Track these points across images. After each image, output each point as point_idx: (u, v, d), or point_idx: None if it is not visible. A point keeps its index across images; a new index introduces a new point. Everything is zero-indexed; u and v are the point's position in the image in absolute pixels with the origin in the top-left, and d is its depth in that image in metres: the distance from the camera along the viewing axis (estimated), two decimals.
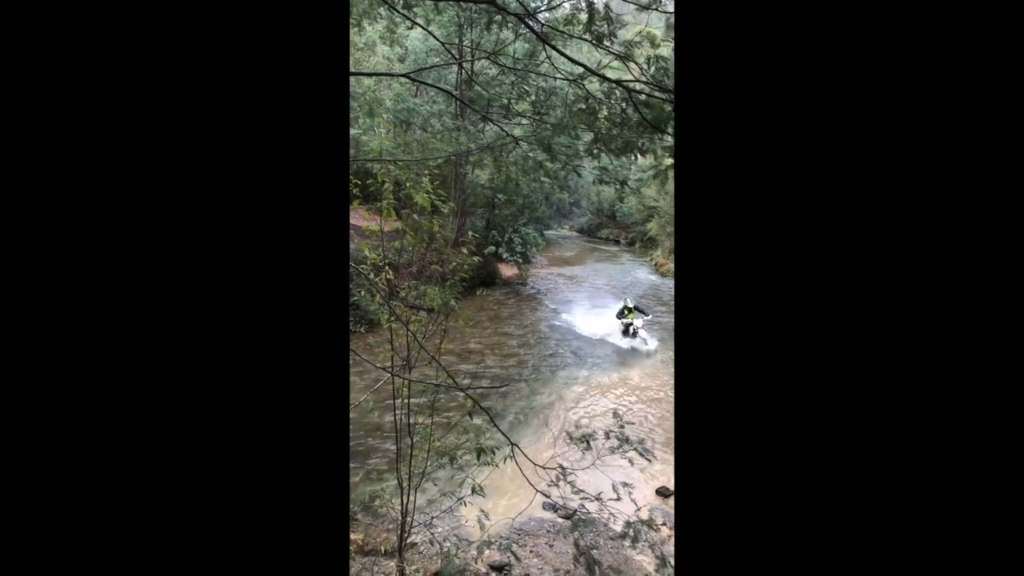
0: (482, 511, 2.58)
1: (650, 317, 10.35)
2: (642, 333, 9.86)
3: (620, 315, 10.19)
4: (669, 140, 2.54)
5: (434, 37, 3.80)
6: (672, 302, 12.01)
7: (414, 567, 3.35)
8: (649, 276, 14.54)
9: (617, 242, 19.78)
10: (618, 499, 2.39)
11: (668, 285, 13.29)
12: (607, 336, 10.23)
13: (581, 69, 2.51)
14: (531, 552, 4.17)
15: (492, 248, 12.70)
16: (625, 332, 10.00)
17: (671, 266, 14.19)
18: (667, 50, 1.90)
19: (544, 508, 4.81)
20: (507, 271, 13.69)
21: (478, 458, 2.80)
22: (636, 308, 10.30)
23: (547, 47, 2.33)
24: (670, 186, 13.63)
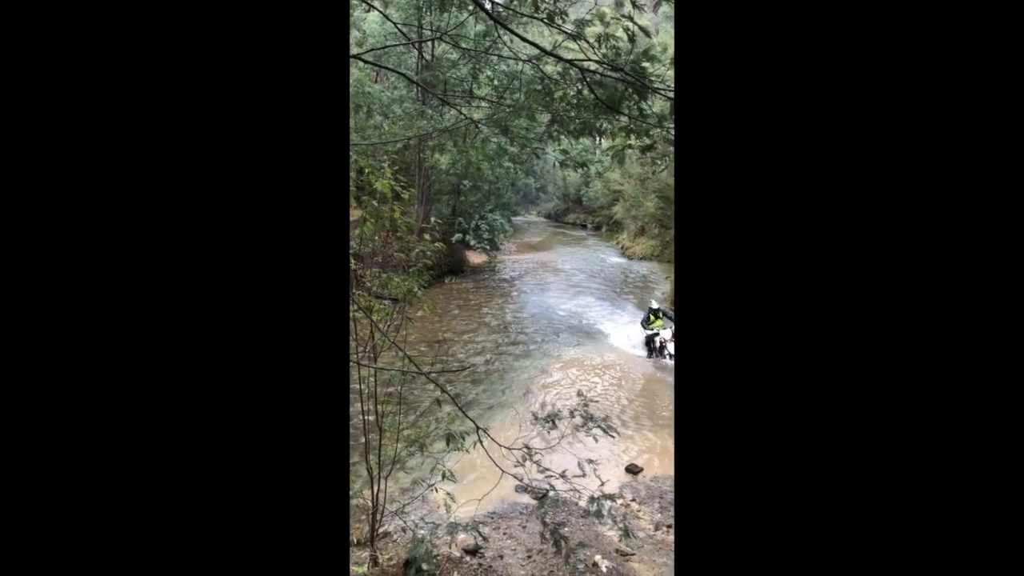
0: (449, 495, 2.59)
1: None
2: (671, 348, 7.72)
3: (646, 323, 8.26)
4: (624, 120, 2.55)
5: (390, 21, 3.71)
6: (638, 282, 12.21)
7: (387, 556, 3.36)
8: (616, 259, 14.72)
9: (584, 226, 19.93)
10: (583, 475, 2.44)
11: (634, 267, 13.48)
12: (626, 347, 8.60)
13: (547, 49, 2.49)
14: (504, 534, 4.22)
15: (459, 235, 12.62)
16: (650, 346, 8.12)
17: (636, 248, 14.40)
18: (618, 28, 1.91)
19: (517, 491, 4.86)
20: (475, 258, 13.64)
21: (447, 444, 2.81)
22: (663, 313, 8.17)
23: (499, 27, 2.30)
24: (633, 169, 13.78)
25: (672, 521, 4.55)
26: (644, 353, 8.32)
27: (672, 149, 2.63)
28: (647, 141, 2.31)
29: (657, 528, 4.45)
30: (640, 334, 8.47)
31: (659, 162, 9.95)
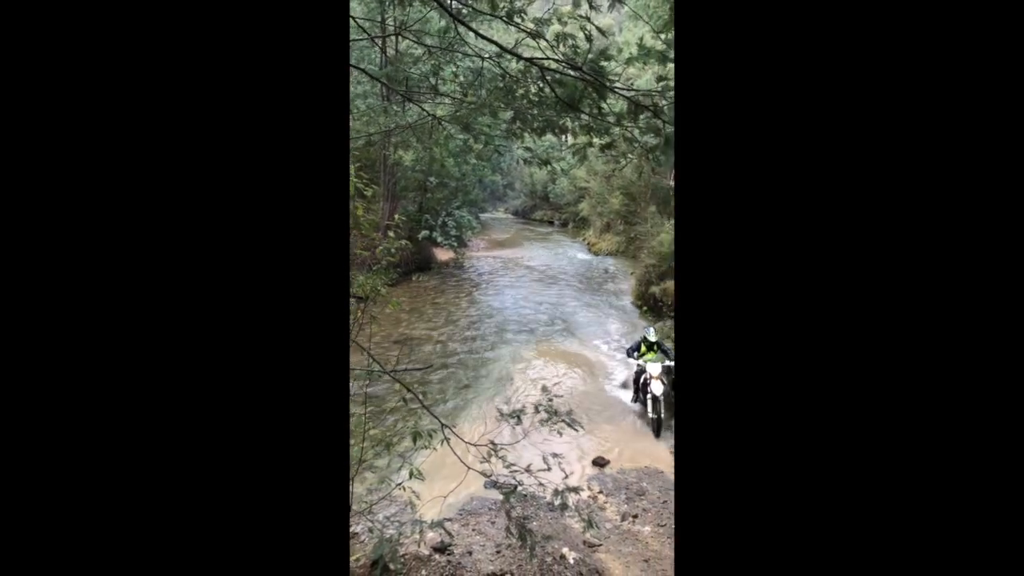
0: (413, 492, 2.59)
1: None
2: (661, 394, 5.89)
3: (634, 352, 6.46)
4: (587, 119, 2.59)
5: (351, 16, 3.65)
6: (603, 279, 12.38)
7: (354, 557, 3.33)
8: (582, 255, 14.88)
9: (551, 223, 20.06)
10: (548, 469, 2.47)
11: (600, 263, 13.65)
12: (602, 383, 7.21)
13: (508, 47, 2.50)
14: (473, 530, 4.23)
15: (426, 232, 12.53)
16: (637, 388, 6.37)
17: (602, 245, 14.59)
18: (575, 27, 1.94)
19: (486, 487, 4.88)
20: (443, 255, 13.57)
21: (414, 442, 2.80)
22: (659, 346, 6.43)
23: (458, 24, 2.30)
24: (598, 166, 13.93)
25: (638, 512, 4.64)
26: (629, 394, 6.68)
27: (635, 147, 2.68)
28: (608, 139, 2.35)
29: (624, 519, 4.54)
30: (627, 366, 6.85)
31: (622, 160, 10.11)
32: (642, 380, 6.33)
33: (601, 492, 4.97)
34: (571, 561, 3.32)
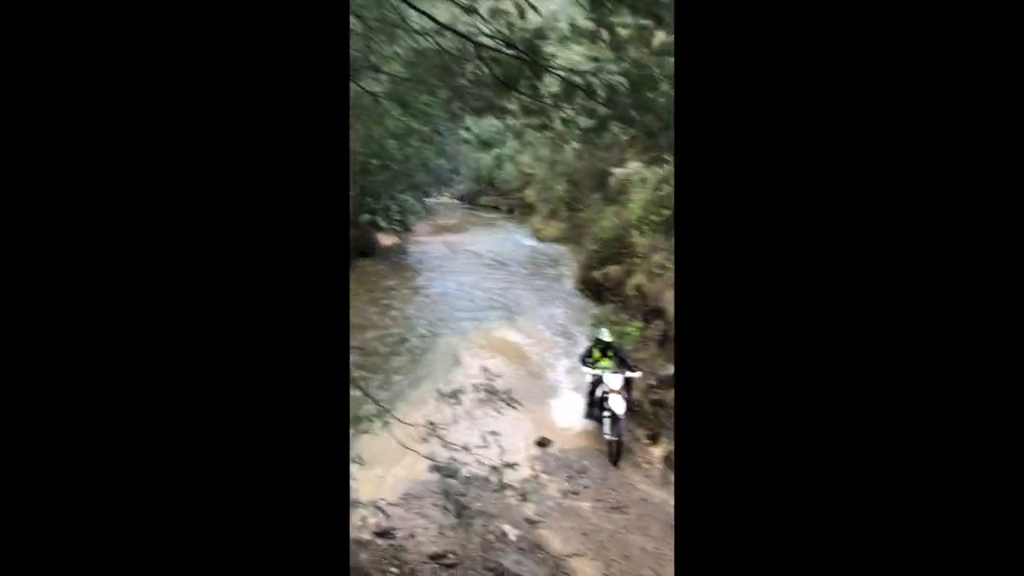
0: (353, 478, 2.55)
1: (638, 375, 5.51)
2: (622, 413, 5.02)
3: (587, 359, 5.59)
4: (526, 100, 2.59)
5: None
6: (548, 264, 12.53)
7: None
8: (528, 241, 14.98)
9: (497, 209, 20.03)
10: (486, 447, 2.50)
11: (546, 249, 13.79)
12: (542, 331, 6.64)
13: (445, 23, 2.46)
14: (416, 513, 4.23)
15: (368, 216, 12.21)
16: (591, 402, 5.45)
17: (548, 231, 14.73)
18: (510, 3, 1.94)
19: (430, 471, 4.89)
20: (386, 240, 13.29)
21: (354, 428, 2.75)
22: (615, 350, 5.56)
23: None
24: (543, 151, 13.99)
25: (579, 489, 4.79)
26: (579, 409, 5.73)
27: (576, 132, 2.71)
28: (544, 120, 2.37)
29: (565, 496, 4.67)
30: (581, 374, 5.76)
31: (564, 145, 10.20)
32: (599, 393, 5.26)
33: (544, 471, 5.08)
34: (512, 537, 3.40)
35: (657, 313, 7.17)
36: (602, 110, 1.94)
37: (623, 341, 6.35)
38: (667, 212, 7.67)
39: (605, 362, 5.59)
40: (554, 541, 3.59)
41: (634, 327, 7.32)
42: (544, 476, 4.99)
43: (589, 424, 5.80)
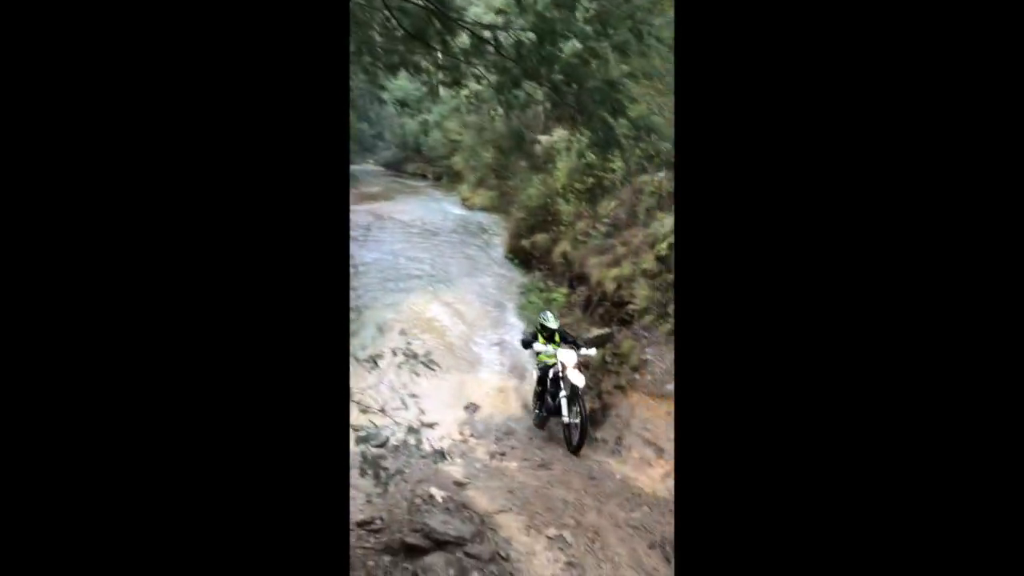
0: None
1: (592, 352, 5.07)
2: (584, 384, 4.62)
3: (531, 342, 5.09)
4: (441, 57, 2.52)
5: None
6: (477, 233, 12.48)
7: None
8: (457, 210, 14.80)
9: (424, 177, 19.56)
10: (405, 409, 2.50)
11: (474, 217, 13.70)
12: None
13: None
14: None
15: None
16: (543, 390, 5.01)
17: (477, 199, 14.60)
18: None
19: (357, 443, 4.83)
20: None
21: None
22: (562, 335, 5.14)
23: None
24: (471, 119, 13.73)
25: (505, 450, 4.91)
26: (533, 414, 5.26)
27: (502, 99, 2.66)
28: (456, 76, 2.31)
29: (492, 457, 4.78)
30: (495, 326, 5.36)
31: (493, 113, 10.05)
32: (551, 376, 4.83)
33: (472, 435, 5.17)
34: (439, 499, 3.45)
35: (581, 279, 7.37)
36: (513, 68, 1.91)
37: (550, 307, 6.49)
38: (590, 180, 7.82)
39: (554, 350, 5.02)
40: (481, 500, 3.68)
41: (560, 294, 7.51)
42: (472, 440, 5.08)
43: (518, 386, 5.93)
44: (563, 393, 4.78)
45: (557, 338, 5.18)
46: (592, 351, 5.13)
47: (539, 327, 5.25)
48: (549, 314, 5.33)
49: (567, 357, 4.78)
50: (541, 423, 5.24)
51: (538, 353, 5.17)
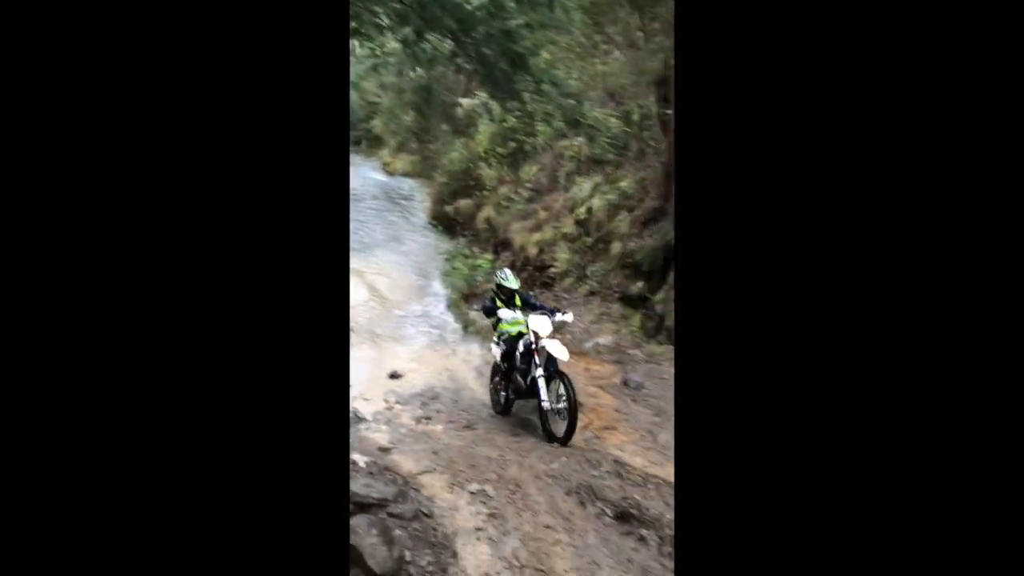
0: None
1: (568, 317, 4.27)
2: (566, 356, 3.82)
3: (493, 308, 4.24)
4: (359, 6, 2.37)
5: None
6: (402, 199, 12.15)
7: None
8: (378, 176, 14.29)
9: None
10: None
11: (396, 183, 13.31)
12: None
13: None
14: None
15: None
16: (511, 368, 4.13)
17: (398, 164, 14.15)
18: None
19: None
20: None
21: None
22: (523, 298, 4.36)
23: None
24: (388, 79, 13.16)
25: (431, 414, 4.95)
26: (491, 396, 4.46)
27: (408, 51, 2.55)
28: (357, 26, 2.19)
29: (418, 422, 4.80)
30: (421, 296, 4.60)
31: (410, 72, 9.66)
32: (521, 350, 3.93)
33: (397, 402, 5.16)
34: (363, 465, 3.44)
35: (505, 245, 7.43)
36: (414, 17, 1.83)
37: (475, 273, 6.50)
38: (512, 144, 7.80)
39: (520, 317, 4.15)
40: (406, 463, 3.71)
41: (485, 260, 7.53)
42: (398, 407, 5.07)
43: (443, 351, 5.94)
44: (538, 370, 3.79)
45: (518, 300, 4.32)
46: (569, 316, 4.22)
47: (495, 289, 4.32)
48: (508, 272, 4.48)
49: (540, 324, 3.81)
50: (505, 409, 4.25)
51: (500, 321, 4.12)
